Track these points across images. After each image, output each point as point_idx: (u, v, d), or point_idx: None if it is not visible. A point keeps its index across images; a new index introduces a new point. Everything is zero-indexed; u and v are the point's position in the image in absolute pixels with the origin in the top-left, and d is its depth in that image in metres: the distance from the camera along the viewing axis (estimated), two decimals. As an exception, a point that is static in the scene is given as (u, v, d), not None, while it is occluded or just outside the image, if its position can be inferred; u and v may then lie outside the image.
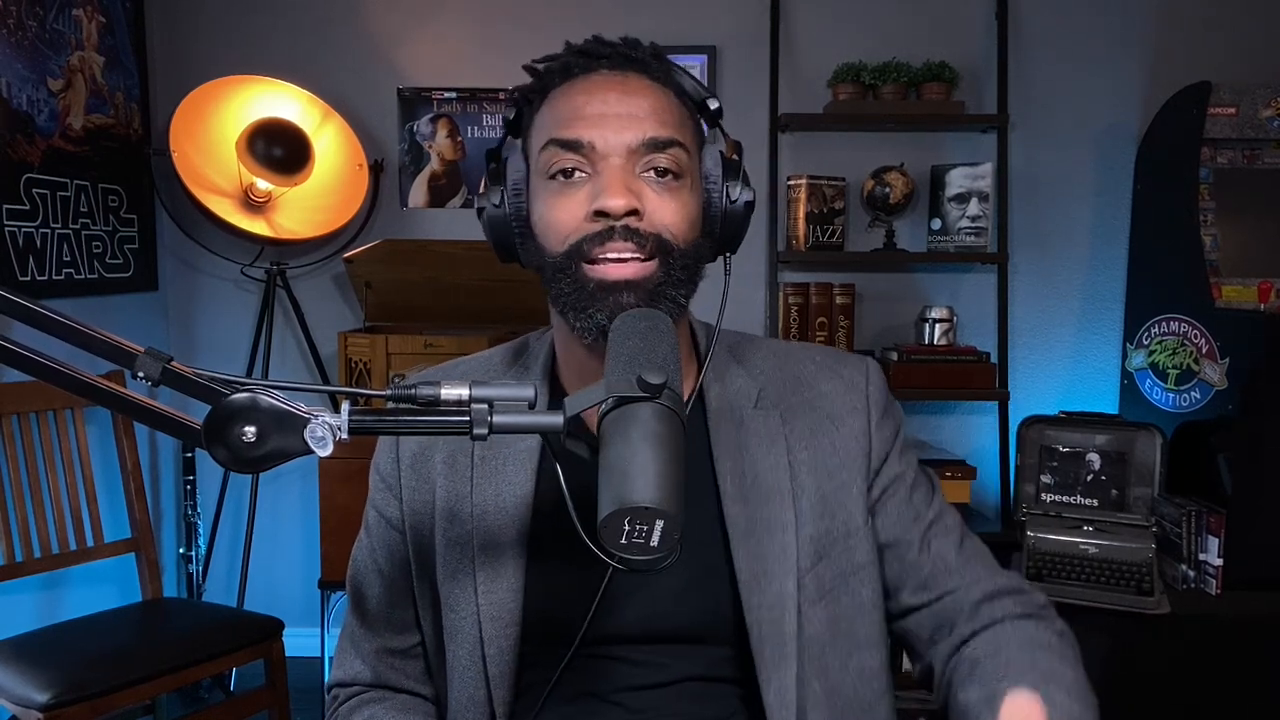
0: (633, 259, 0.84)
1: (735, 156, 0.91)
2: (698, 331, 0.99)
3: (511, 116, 0.92)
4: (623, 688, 0.89)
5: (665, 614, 0.88)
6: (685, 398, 0.93)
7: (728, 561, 0.88)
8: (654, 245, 0.84)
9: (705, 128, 0.93)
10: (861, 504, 0.93)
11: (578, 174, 0.85)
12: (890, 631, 0.97)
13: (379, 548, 0.98)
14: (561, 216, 0.85)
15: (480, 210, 0.90)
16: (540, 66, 0.91)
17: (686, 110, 0.90)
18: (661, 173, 0.85)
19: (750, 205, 0.90)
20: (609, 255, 0.83)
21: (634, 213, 0.83)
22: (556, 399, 0.96)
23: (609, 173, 0.84)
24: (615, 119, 0.84)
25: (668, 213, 0.85)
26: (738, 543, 0.88)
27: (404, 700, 0.98)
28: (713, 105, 0.91)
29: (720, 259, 0.93)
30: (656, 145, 0.85)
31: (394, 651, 0.99)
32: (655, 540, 0.59)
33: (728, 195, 0.89)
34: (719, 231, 0.90)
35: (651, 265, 0.84)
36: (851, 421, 0.95)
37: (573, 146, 0.84)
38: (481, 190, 0.91)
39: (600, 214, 0.83)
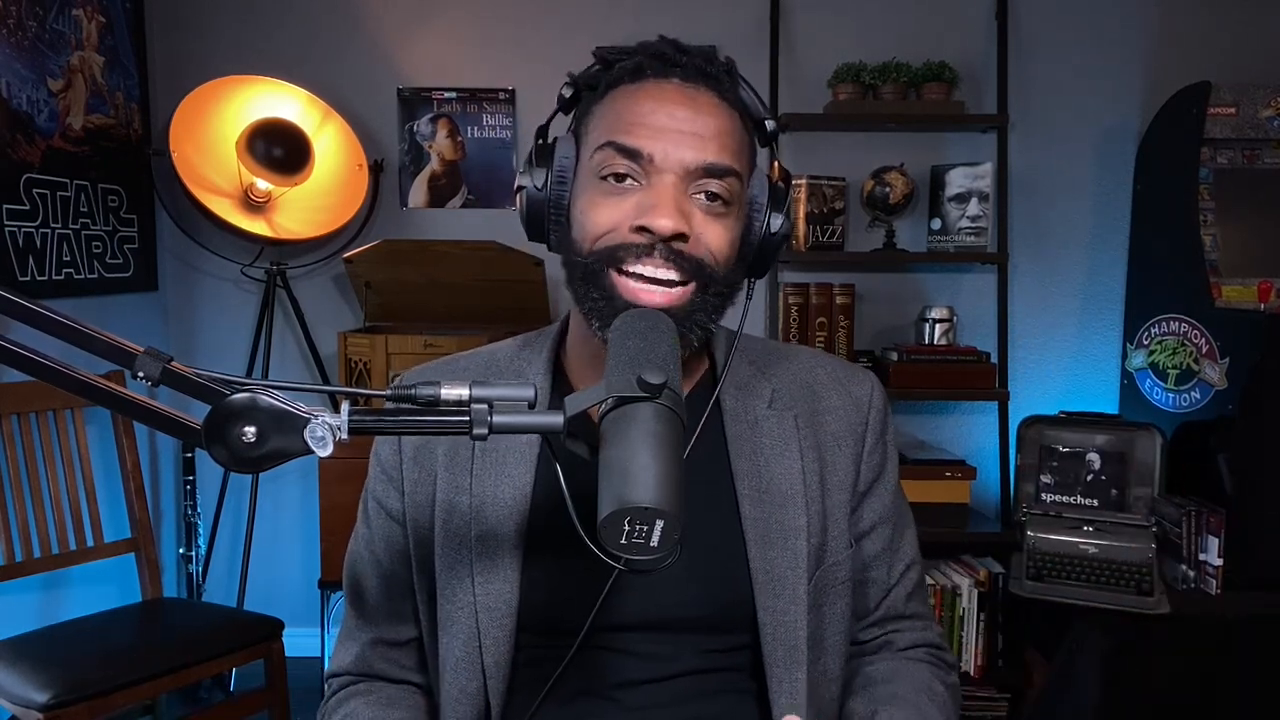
0: (666, 283, 0.84)
1: (782, 183, 0.91)
2: (714, 333, 0.99)
3: (568, 95, 0.91)
4: (621, 683, 0.89)
5: (673, 600, 0.88)
6: (698, 397, 0.94)
7: (743, 559, 0.89)
8: (694, 269, 0.84)
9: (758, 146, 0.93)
10: (848, 527, 0.95)
11: (629, 181, 0.84)
12: None
13: (377, 539, 0.98)
14: (603, 219, 0.85)
15: (519, 189, 0.89)
16: (611, 58, 0.89)
17: (746, 132, 0.90)
18: (712, 197, 0.85)
19: (787, 237, 0.91)
20: (644, 271, 0.83)
21: (680, 236, 0.83)
22: (559, 389, 0.96)
23: (661, 189, 0.83)
24: (679, 135, 0.84)
25: (713, 238, 0.85)
26: (754, 544, 0.89)
27: (390, 694, 0.97)
28: (769, 126, 0.91)
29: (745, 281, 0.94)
30: (714, 171, 0.84)
31: (389, 642, 0.99)
32: (655, 540, 0.59)
33: (769, 225, 0.90)
34: (751, 258, 0.91)
35: (686, 291, 0.85)
36: (850, 445, 0.96)
37: (631, 154, 0.84)
38: (523, 168, 0.89)
39: (644, 229, 0.83)
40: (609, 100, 0.88)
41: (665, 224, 0.82)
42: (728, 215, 0.86)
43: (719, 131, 0.85)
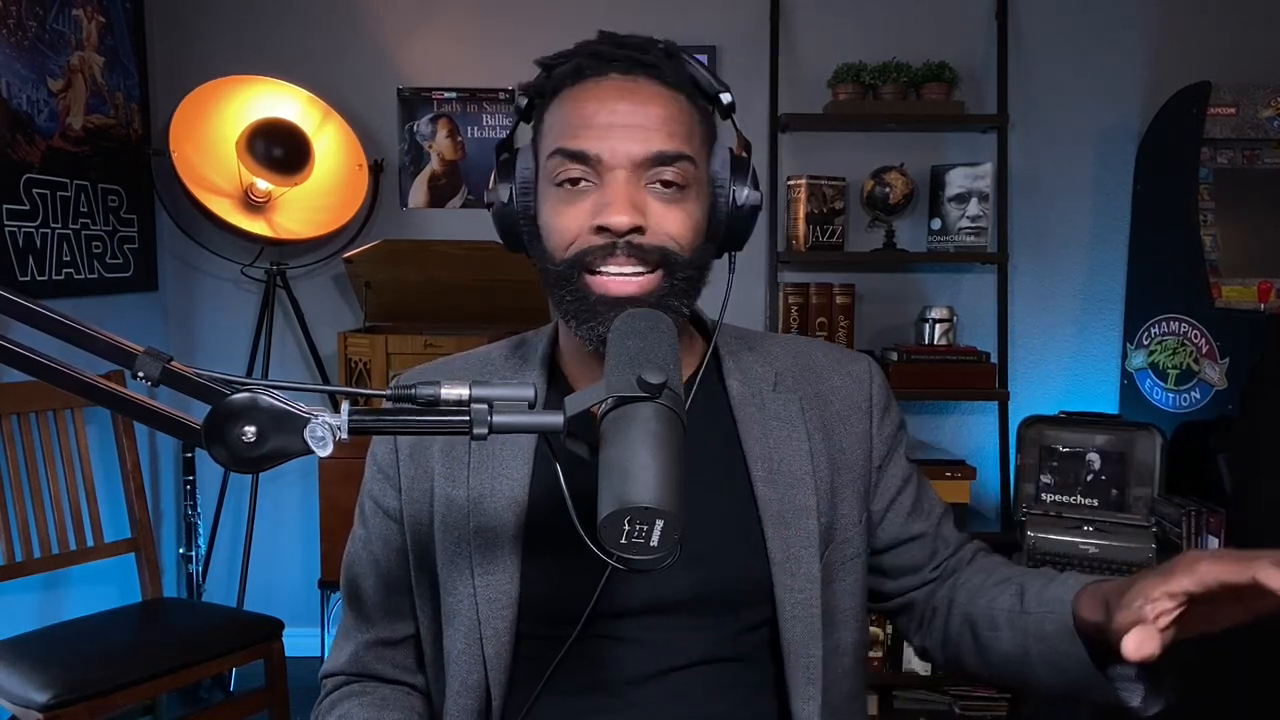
0: (634, 274, 0.85)
1: (744, 154, 0.91)
2: (705, 321, 1.01)
3: (523, 105, 0.92)
4: (625, 676, 0.89)
5: (687, 583, 0.88)
6: (693, 381, 0.95)
7: (759, 539, 0.90)
8: (657, 258, 0.85)
9: (719, 120, 0.93)
10: (860, 503, 0.97)
11: (583, 183, 0.85)
12: (894, 600, 1.04)
13: (375, 539, 0.98)
14: (566, 225, 0.86)
15: (489, 205, 0.91)
16: (551, 63, 0.90)
17: (699, 111, 0.90)
18: (666, 184, 0.86)
19: (756, 208, 0.91)
20: (610, 270, 0.84)
21: (637, 229, 0.84)
22: (555, 387, 0.97)
23: (613, 186, 0.84)
24: (623, 130, 0.84)
25: (672, 224, 0.86)
26: (770, 524, 0.90)
27: (384, 695, 0.98)
28: (725, 99, 0.91)
29: (725, 256, 0.94)
30: (663, 159, 0.85)
31: (386, 642, 0.99)
32: (655, 540, 0.59)
33: (734, 199, 0.90)
34: (723, 233, 0.91)
35: (655, 278, 0.86)
36: (856, 423, 0.98)
37: (579, 158, 0.85)
38: (491, 184, 0.91)
39: (602, 229, 0.84)
40: (555, 106, 0.89)
41: (620, 220, 0.83)
42: (685, 199, 0.87)
43: (664, 119, 0.86)
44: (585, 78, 0.88)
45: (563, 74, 0.89)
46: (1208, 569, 0.68)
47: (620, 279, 0.84)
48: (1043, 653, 0.84)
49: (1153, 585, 0.71)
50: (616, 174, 0.84)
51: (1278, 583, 0.64)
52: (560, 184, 0.86)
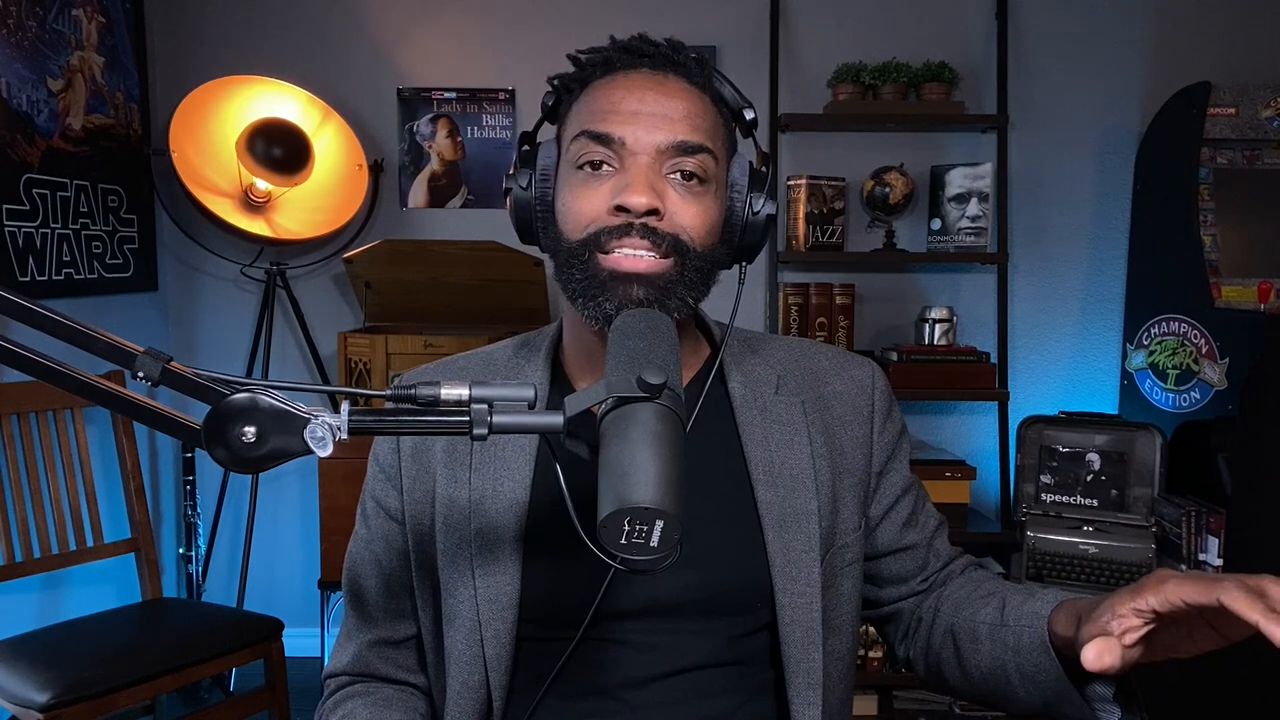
0: (647, 253, 0.85)
1: (764, 168, 0.93)
2: (711, 326, 1.01)
3: (550, 103, 0.94)
4: (627, 679, 0.89)
5: (687, 584, 0.88)
6: (700, 384, 0.95)
7: (760, 542, 0.90)
8: (670, 245, 0.86)
9: (740, 136, 0.95)
10: (859, 508, 0.97)
11: (605, 167, 0.87)
12: (882, 608, 1.05)
13: (377, 539, 0.98)
14: (584, 206, 0.87)
15: (507, 191, 0.92)
16: (583, 57, 0.92)
17: (722, 118, 0.92)
18: (687, 176, 0.87)
19: (771, 218, 0.92)
20: (624, 249, 0.85)
21: (654, 212, 0.85)
22: (558, 387, 0.97)
23: (635, 169, 0.85)
24: (649, 118, 0.86)
25: (688, 215, 0.87)
26: (771, 527, 0.90)
27: (388, 695, 0.98)
28: (749, 115, 0.93)
29: (736, 266, 0.95)
30: (685, 149, 0.86)
31: (388, 642, 0.99)
32: (655, 540, 0.59)
33: (750, 205, 0.91)
34: (738, 240, 0.92)
35: (666, 262, 0.86)
36: (857, 428, 0.98)
37: (603, 140, 0.86)
38: (511, 171, 0.92)
39: (621, 209, 0.85)
40: (584, 97, 0.91)
41: (639, 200, 0.84)
42: (705, 194, 0.88)
43: (689, 112, 0.87)
44: (615, 70, 0.90)
45: (594, 66, 0.91)
46: (1175, 588, 0.68)
47: (632, 256, 0.85)
48: (1019, 665, 0.85)
49: (1121, 601, 0.71)
50: (639, 159, 0.85)
51: (1242, 606, 0.64)
52: (582, 166, 0.87)
